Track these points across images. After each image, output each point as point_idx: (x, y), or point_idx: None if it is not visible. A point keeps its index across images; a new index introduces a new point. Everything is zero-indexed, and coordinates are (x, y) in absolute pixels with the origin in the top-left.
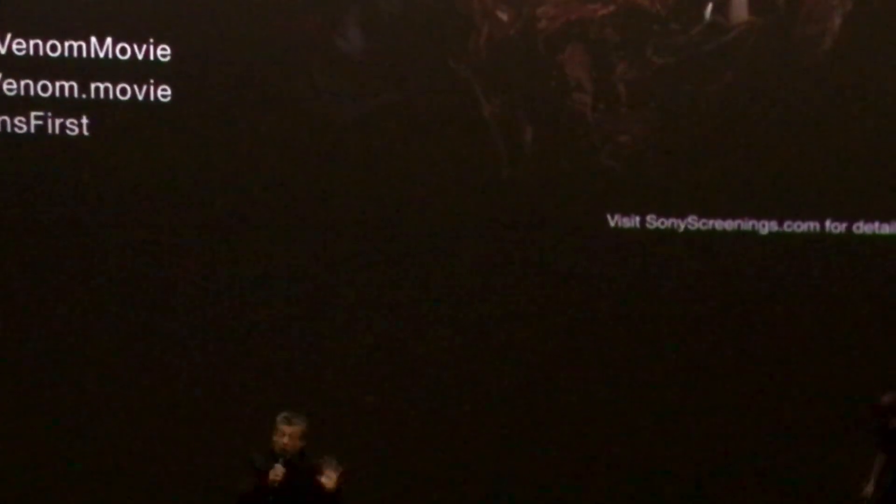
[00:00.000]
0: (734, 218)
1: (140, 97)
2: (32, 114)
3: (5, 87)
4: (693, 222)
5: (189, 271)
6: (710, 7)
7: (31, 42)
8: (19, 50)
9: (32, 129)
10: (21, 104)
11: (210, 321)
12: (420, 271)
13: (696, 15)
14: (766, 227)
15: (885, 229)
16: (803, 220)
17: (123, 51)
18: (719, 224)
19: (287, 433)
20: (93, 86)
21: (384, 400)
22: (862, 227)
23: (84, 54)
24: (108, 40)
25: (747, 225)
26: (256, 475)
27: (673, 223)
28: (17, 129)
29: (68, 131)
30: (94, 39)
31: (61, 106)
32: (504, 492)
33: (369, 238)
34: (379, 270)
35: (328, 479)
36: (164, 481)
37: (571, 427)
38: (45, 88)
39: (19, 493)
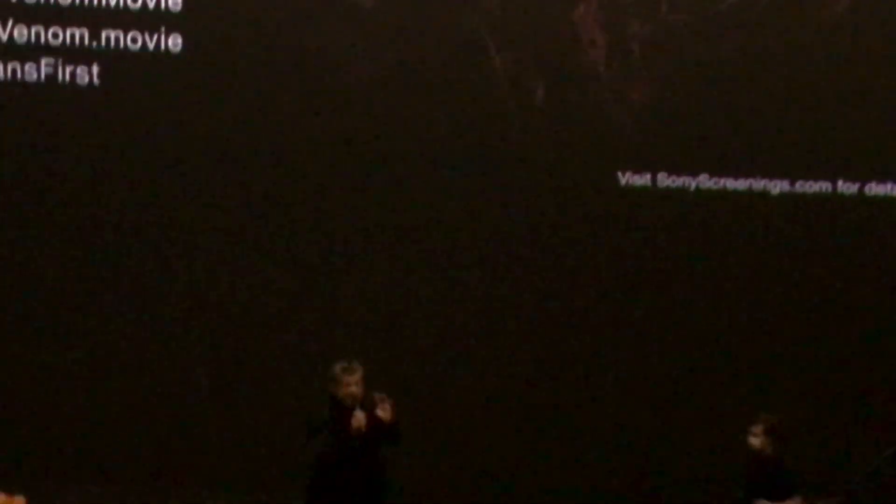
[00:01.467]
0: (746, 177)
1: (151, 46)
2: (43, 61)
3: (16, 33)
4: (704, 181)
5: (199, 219)
6: None
7: None
8: None
9: (42, 77)
10: (31, 51)
11: (219, 269)
12: (430, 227)
13: None
14: (778, 186)
15: None
16: (815, 180)
17: None
18: (731, 183)
19: (353, 382)
20: (104, 34)
21: (402, 356)
22: (874, 189)
23: (95, 2)
24: None
25: (759, 184)
26: (328, 430)
27: (684, 182)
28: (27, 77)
29: (78, 80)
30: None
31: (72, 54)
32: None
33: (379, 192)
34: (389, 225)
35: (384, 411)
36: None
37: (577, 379)
38: (55, 36)
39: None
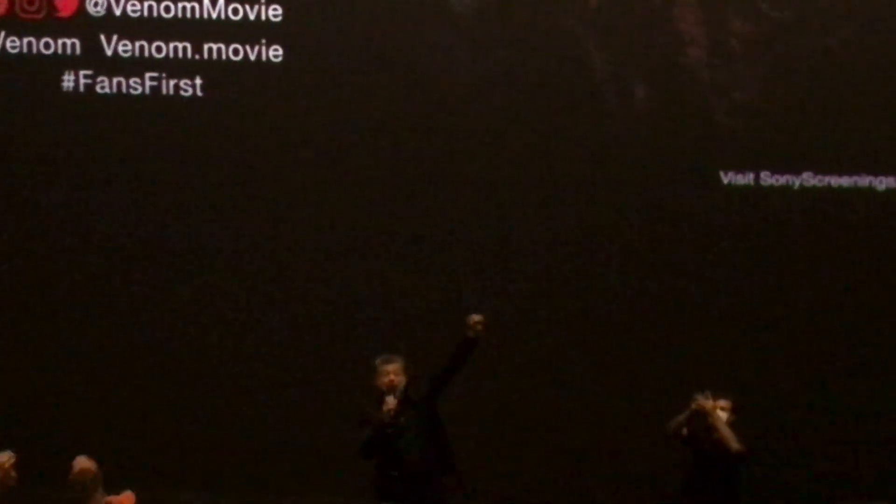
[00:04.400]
0: (850, 175)
1: (252, 58)
2: (147, 75)
3: (121, 48)
4: (808, 179)
5: (302, 225)
6: None
7: (146, 4)
8: (134, 12)
9: (147, 90)
10: (136, 66)
11: (318, 270)
12: (530, 227)
13: None
14: (884, 183)
15: None
16: None
17: (235, 11)
18: (835, 181)
19: (390, 371)
20: (206, 47)
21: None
22: None
23: (197, 15)
24: (221, 1)
25: (864, 181)
26: (370, 421)
27: (788, 180)
28: (132, 91)
29: (182, 92)
30: (206, 1)
31: (175, 67)
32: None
33: (481, 192)
34: (488, 224)
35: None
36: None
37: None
38: (159, 50)
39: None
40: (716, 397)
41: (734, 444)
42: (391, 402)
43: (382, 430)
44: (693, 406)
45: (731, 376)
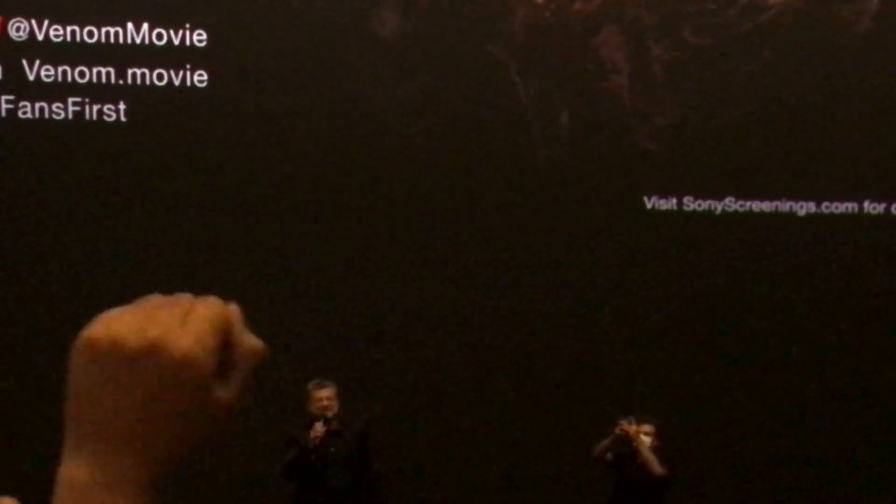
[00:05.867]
0: (771, 199)
1: (176, 82)
2: (70, 100)
3: (43, 73)
4: (730, 204)
5: (225, 253)
6: None
7: (69, 28)
8: (56, 36)
9: (70, 115)
10: (58, 90)
11: (244, 298)
12: (455, 254)
13: None
14: (804, 208)
15: None
16: (841, 201)
17: (160, 36)
18: (756, 206)
19: (323, 396)
20: (130, 71)
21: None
22: None
23: (121, 40)
24: (145, 26)
25: (784, 206)
26: (297, 443)
27: (710, 205)
28: (54, 116)
29: (105, 117)
30: (130, 25)
31: (99, 92)
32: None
33: (404, 219)
34: (414, 254)
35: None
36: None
37: (600, 402)
38: (82, 74)
39: None
40: (639, 422)
41: (657, 468)
42: (319, 428)
43: (306, 455)
44: (617, 431)
45: (655, 400)
